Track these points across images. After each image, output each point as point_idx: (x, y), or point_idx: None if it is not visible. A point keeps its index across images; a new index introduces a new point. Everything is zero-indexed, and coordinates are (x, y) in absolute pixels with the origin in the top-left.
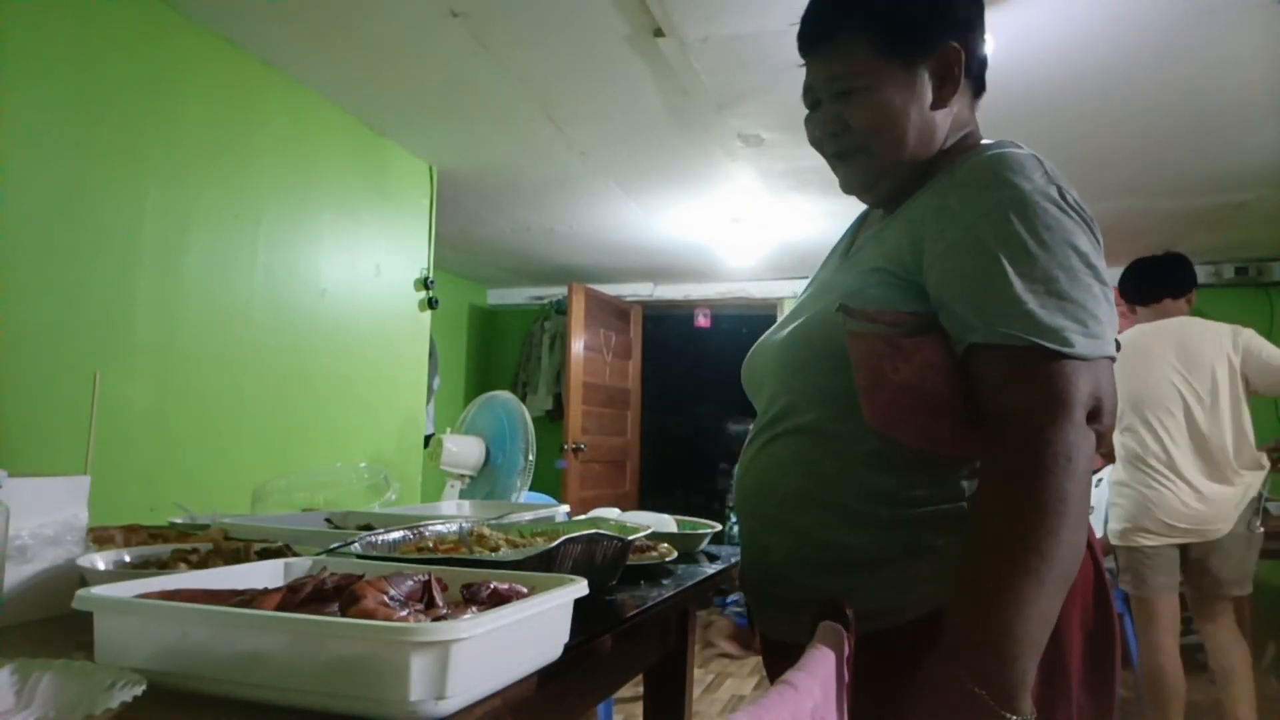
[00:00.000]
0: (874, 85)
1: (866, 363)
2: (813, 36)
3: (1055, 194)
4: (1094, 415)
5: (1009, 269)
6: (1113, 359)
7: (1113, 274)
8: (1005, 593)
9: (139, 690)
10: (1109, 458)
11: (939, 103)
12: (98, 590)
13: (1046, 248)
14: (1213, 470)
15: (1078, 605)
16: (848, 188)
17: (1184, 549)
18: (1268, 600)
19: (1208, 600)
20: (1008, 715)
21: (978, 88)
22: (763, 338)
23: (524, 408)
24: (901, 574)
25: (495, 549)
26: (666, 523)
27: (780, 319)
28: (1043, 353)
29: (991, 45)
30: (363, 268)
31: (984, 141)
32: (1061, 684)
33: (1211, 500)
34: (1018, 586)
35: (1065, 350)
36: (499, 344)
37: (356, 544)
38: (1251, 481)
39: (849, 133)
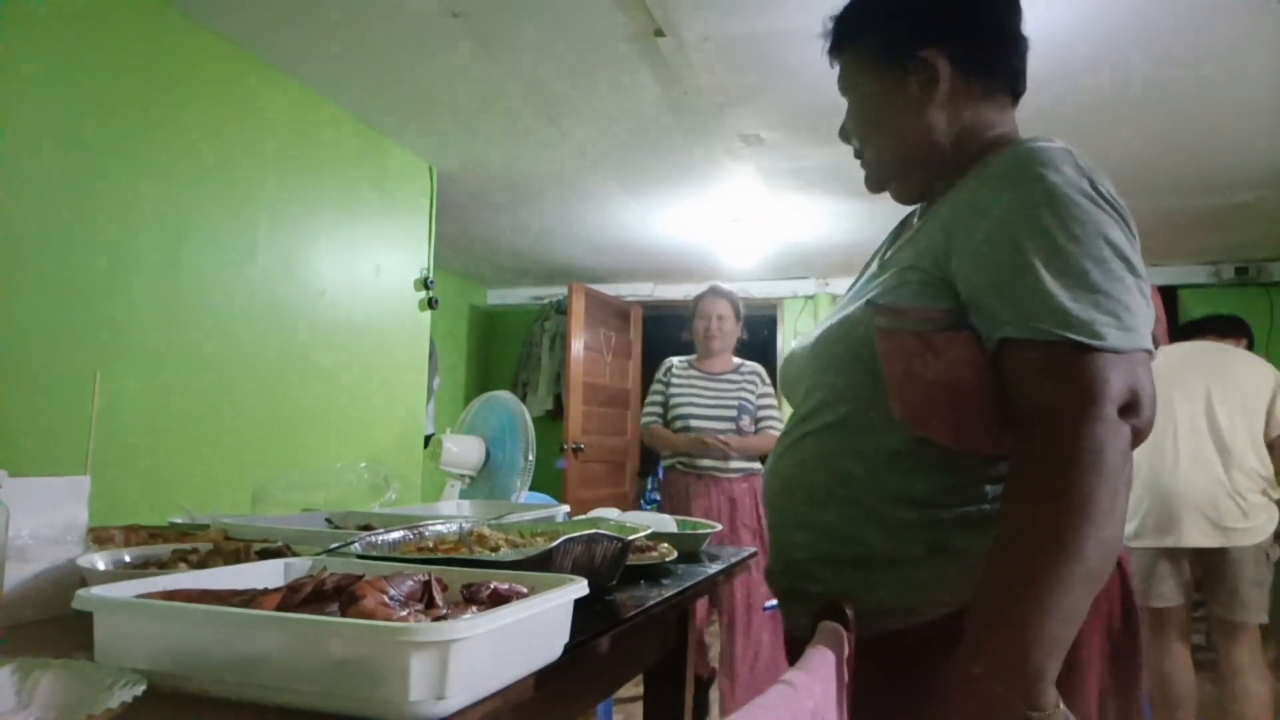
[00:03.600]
0: (867, 92)
1: (897, 358)
2: (828, 46)
3: (1087, 186)
4: (1129, 409)
5: (1040, 263)
6: (1149, 352)
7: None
8: (1027, 588)
9: (139, 690)
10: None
11: (926, 105)
12: (98, 590)
13: (1078, 241)
14: (1233, 471)
15: (1103, 611)
16: (866, 185)
17: (1197, 557)
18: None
19: (1227, 628)
20: (1030, 713)
21: (1009, 88)
22: (798, 341)
23: (524, 408)
24: (923, 574)
25: (495, 549)
26: (666, 523)
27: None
28: (1074, 347)
29: None
30: (363, 268)
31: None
32: (1080, 688)
33: (1232, 499)
34: (1039, 582)
35: (1097, 344)
36: (499, 344)
37: (356, 544)
38: (1270, 516)
39: (854, 137)
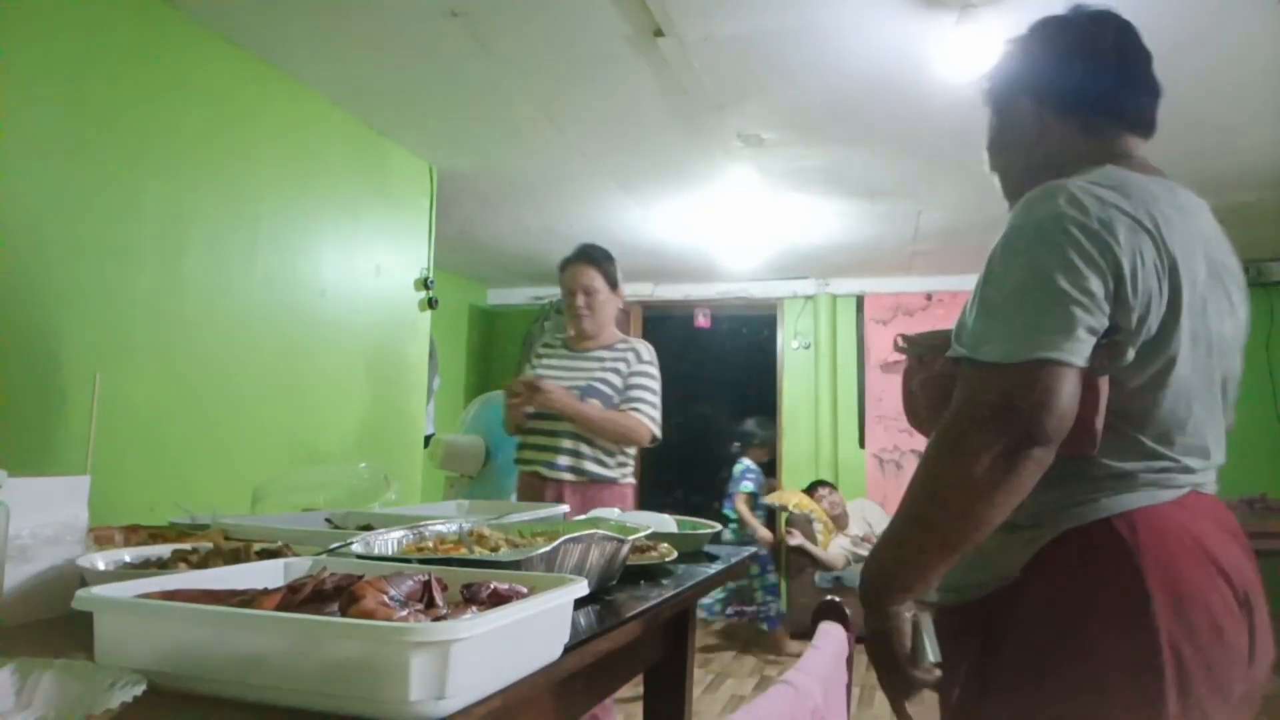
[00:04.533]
0: (991, 132)
1: (904, 377)
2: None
3: (1054, 218)
4: (1008, 414)
5: (978, 292)
6: (1057, 362)
7: None
8: (883, 542)
9: (139, 690)
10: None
11: (1023, 142)
12: (98, 590)
13: (1009, 269)
14: None
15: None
16: None
17: None
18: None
19: None
20: (874, 628)
21: (1120, 120)
22: None
23: None
24: (968, 559)
25: (495, 549)
26: (666, 523)
27: None
28: (968, 361)
29: (998, 49)
30: (363, 268)
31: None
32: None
33: None
34: (890, 538)
35: (980, 358)
36: (499, 344)
37: (356, 544)
38: None
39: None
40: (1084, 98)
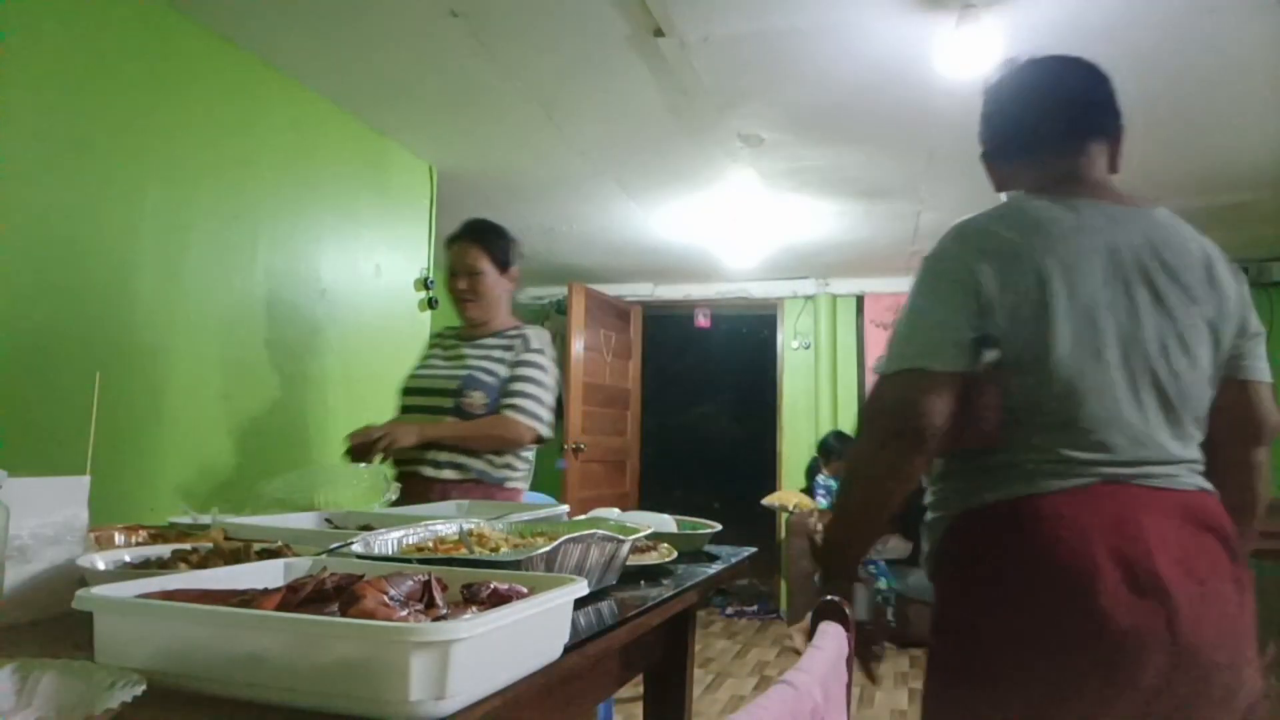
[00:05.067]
0: None
1: None
2: None
3: (938, 252)
4: (893, 414)
5: None
6: (916, 369)
7: None
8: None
9: (139, 690)
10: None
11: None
12: (98, 590)
13: (909, 297)
14: None
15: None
16: None
17: None
18: (1266, 600)
19: None
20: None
21: (1042, 149)
22: None
23: None
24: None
25: (495, 549)
26: (666, 523)
27: None
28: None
29: (998, 49)
30: (363, 268)
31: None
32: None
33: None
34: (829, 521)
35: (878, 369)
36: None
37: (356, 544)
38: None
39: None
40: (989, 140)
